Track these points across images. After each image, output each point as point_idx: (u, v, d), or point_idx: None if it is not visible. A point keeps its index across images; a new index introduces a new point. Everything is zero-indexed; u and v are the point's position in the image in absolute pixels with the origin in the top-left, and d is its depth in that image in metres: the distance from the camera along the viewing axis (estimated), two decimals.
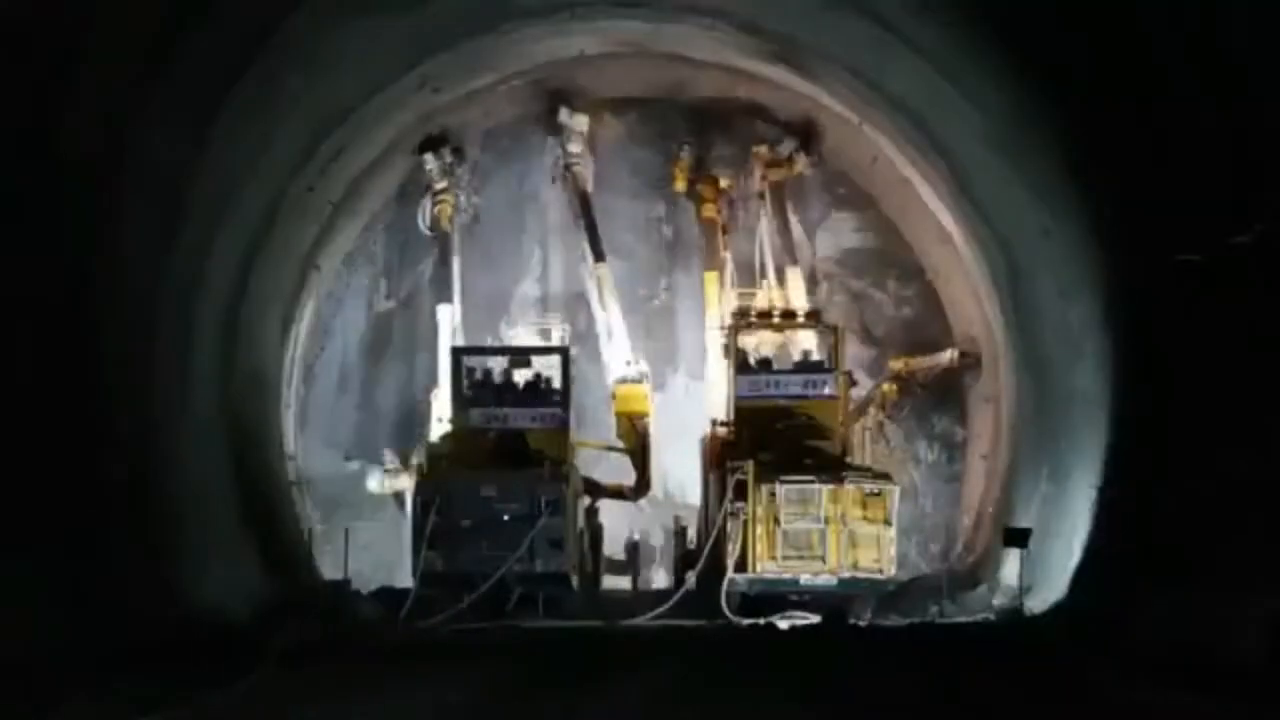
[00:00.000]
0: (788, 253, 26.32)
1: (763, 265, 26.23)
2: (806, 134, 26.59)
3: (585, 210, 26.16)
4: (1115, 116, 15.97)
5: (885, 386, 25.82)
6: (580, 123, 26.52)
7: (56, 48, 13.26)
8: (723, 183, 26.86)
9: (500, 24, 21.58)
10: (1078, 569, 17.38)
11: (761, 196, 26.72)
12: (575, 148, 26.55)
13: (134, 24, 14.30)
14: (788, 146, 26.74)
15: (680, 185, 27.23)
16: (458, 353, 22.72)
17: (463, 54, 22.12)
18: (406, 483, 24.18)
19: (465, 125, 26.65)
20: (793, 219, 27.24)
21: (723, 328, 24.04)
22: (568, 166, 26.61)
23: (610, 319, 25.30)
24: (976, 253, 22.57)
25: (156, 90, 15.25)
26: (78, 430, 14.71)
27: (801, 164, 26.84)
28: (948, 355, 26.16)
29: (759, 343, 23.75)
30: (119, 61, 14.34)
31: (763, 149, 26.78)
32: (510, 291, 27.51)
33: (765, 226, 26.55)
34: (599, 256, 25.76)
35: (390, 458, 25.64)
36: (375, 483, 25.63)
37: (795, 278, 25.93)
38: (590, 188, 26.65)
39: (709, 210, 26.68)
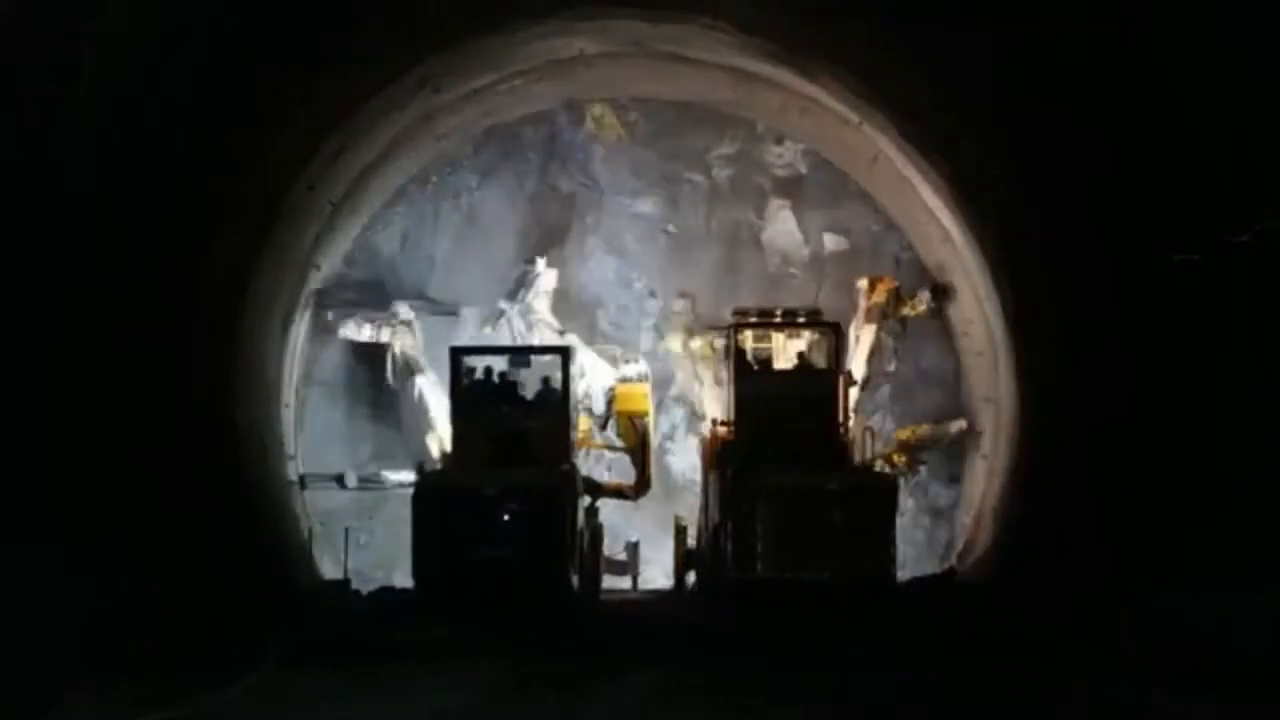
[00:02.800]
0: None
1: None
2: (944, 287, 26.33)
3: None
4: (1115, 117, 15.98)
5: (895, 456, 25.88)
6: None
7: (56, 48, 13.27)
8: (715, 343, 25.35)
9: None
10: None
11: (865, 317, 26.14)
12: None
13: (136, 25, 14.33)
14: (922, 297, 26.42)
15: (674, 345, 26.59)
16: (457, 352, 22.67)
17: (463, 53, 22.14)
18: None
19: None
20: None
21: (720, 328, 24.01)
22: None
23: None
24: (977, 253, 22.58)
25: (156, 90, 15.27)
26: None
27: (923, 306, 26.54)
28: (955, 427, 26.49)
29: (758, 343, 23.75)
30: (119, 61, 14.36)
31: (874, 285, 26.24)
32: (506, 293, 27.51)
33: (853, 333, 25.75)
34: None
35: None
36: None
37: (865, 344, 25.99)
38: None
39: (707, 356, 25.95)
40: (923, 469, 26.64)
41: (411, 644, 16.51)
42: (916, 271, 27.24)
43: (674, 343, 26.86)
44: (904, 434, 26.53)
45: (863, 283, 26.40)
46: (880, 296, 26.13)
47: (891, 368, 27.13)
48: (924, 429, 26.59)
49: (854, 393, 23.23)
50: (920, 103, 20.71)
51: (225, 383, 20.34)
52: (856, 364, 25.02)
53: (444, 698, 13.18)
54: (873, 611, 18.89)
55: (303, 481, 25.03)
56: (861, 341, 25.79)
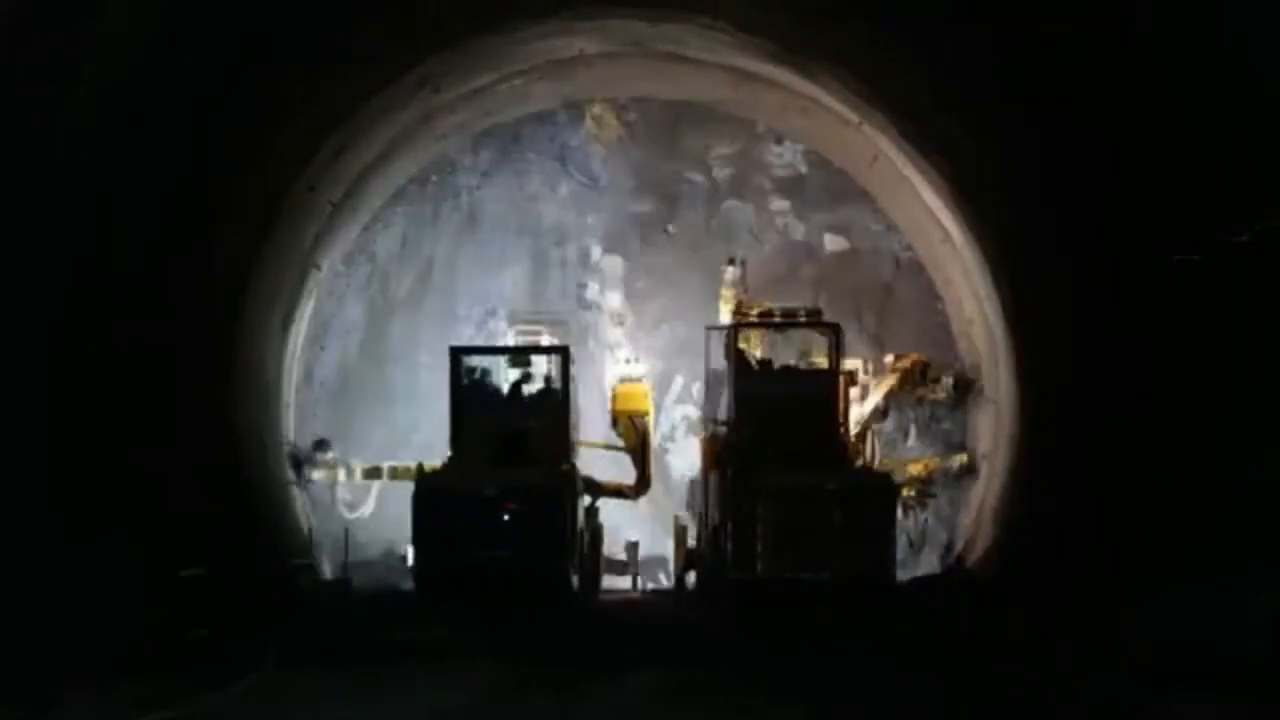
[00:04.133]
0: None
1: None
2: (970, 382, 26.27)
3: None
4: (1115, 117, 15.97)
5: (906, 490, 25.46)
6: None
7: (56, 48, 13.27)
8: None
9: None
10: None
11: (888, 370, 26.07)
12: None
13: (136, 25, 14.33)
14: (945, 383, 26.39)
15: None
16: (457, 352, 22.65)
17: (463, 53, 22.13)
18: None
19: None
20: None
21: (720, 328, 23.99)
22: None
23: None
24: (977, 253, 22.58)
25: (156, 90, 15.27)
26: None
27: (943, 394, 26.54)
28: (957, 460, 26.36)
29: (759, 342, 23.74)
30: (119, 61, 14.36)
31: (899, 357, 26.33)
32: (504, 293, 27.51)
33: (872, 382, 25.75)
34: None
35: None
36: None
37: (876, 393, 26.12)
38: None
39: None
40: (930, 503, 26.41)
41: (411, 644, 16.52)
42: (915, 270, 27.26)
43: None
44: (917, 467, 26.23)
45: (889, 357, 26.40)
46: (905, 363, 26.20)
47: (910, 443, 27.05)
48: (934, 462, 26.35)
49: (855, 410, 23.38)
50: (920, 103, 20.70)
51: (225, 383, 20.34)
52: (869, 402, 25.14)
53: (444, 698, 13.19)
54: (873, 611, 18.89)
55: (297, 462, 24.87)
56: (880, 385, 25.79)
